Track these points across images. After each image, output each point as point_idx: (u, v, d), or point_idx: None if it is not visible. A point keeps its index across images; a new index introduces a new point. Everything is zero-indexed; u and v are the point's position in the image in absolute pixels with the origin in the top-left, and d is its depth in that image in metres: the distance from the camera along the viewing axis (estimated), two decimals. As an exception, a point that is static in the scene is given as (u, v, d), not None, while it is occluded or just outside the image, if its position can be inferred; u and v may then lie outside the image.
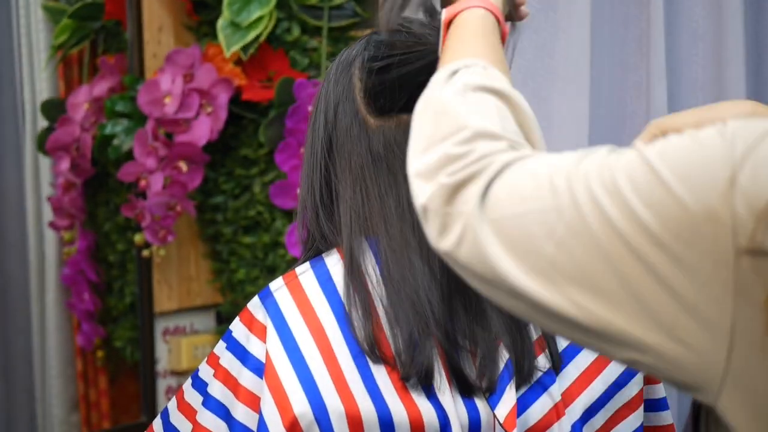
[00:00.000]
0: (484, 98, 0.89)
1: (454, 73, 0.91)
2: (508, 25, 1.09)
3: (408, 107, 1.09)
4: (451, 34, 1.00)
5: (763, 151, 0.72)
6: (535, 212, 0.77)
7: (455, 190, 0.81)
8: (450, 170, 0.82)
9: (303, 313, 1.13)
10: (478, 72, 0.91)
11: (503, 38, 1.01)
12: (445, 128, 0.85)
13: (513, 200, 0.78)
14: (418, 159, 0.86)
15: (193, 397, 1.19)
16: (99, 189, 2.38)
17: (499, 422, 1.11)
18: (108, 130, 2.24)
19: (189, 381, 1.21)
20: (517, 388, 1.12)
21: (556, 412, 1.13)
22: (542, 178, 0.78)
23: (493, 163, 0.81)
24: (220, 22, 2.17)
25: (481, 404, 1.11)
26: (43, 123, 2.30)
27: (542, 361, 1.14)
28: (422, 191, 0.84)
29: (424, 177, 0.84)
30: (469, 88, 0.89)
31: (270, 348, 1.11)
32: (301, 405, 1.08)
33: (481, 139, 0.83)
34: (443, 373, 1.10)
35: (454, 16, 1.01)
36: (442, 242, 0.82)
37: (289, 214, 2.26)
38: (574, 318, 0.76)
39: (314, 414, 1.07)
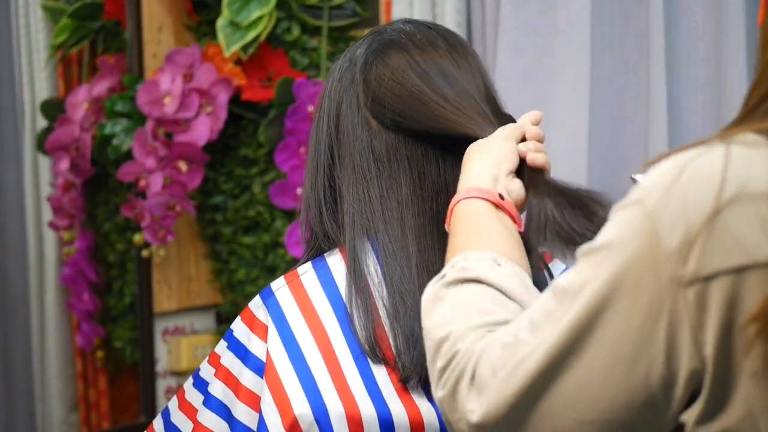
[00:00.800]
0: (466, 290, 0.92)
1: (443, 276, 0.94)
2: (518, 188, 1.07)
3: None
4: (450, 236, 1.01)
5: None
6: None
7: (452, 396, 0.86)
8: (442, 383, 0.87)
9: (304, 313, 1.12)
10: (458, 267, 0.94)
11: (503, 209, 1.01)
12: (434, 338, 0.90)
13: (495, 374, 0.82)
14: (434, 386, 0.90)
15: (194, 397, 1.18)
16: (98, 189, 2.38)
17: None
18: (107, 130, 2.24)
19: (190, 380, 1.21)
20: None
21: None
22: (510, 346, 0.83)
23: (474, 354, 0.85)
24: (220, 22, 2.17)
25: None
26: (42, 123, 2.30)
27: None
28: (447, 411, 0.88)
29: (441, 400, 0.88)
30: (452, 284, 0.92)
31: (271, 348, 1.11)
32: (301, 405, 1.08)
33: (460, 341, 0.87)
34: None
35: (451, 212, 1.03)
36: None
37: (288, 214, 2.26)
38: None
39: (314, 414, 1.07)
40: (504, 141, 1.06)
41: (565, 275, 0.82)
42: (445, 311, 0.91)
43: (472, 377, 0.84)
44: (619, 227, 0.79)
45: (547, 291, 0.84)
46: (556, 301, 0.81)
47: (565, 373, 0.79)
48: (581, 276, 0.80)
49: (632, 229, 0.77)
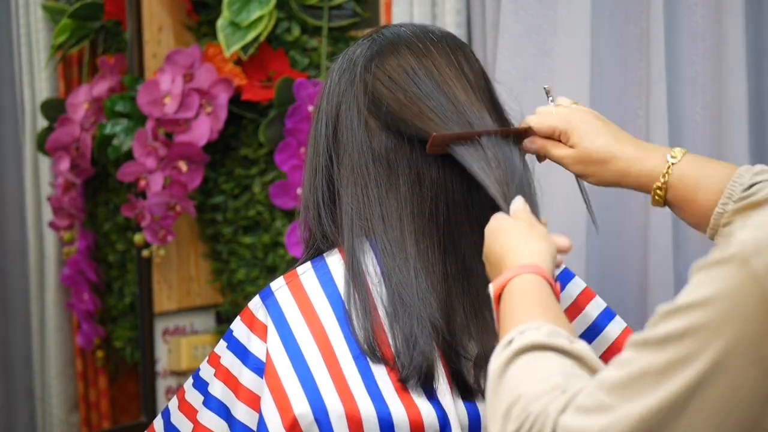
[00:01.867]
0: (537, 357, 0.88)
1: (510, 342, 0.90)
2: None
3: None
4: (503, 307, 0.98)
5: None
6: None
7: None
8: None
9: (304, 313, 1.13)
10: (531, 334, 0.90)
11: (556, 295, 0.99)
12: (503, 403, 0.85)
13: None
14: None
15: (194, 397, 1.19)
16: (99, 189, 2.38)
17: None
18: (108, 130, 2.24)
19: (190, 380, 1.21)
20: (518, 388, 1.12)
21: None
22: (592, 410, 0.78)
23: (549, 416, 0.81)
24: (220, 22, 2.17)
25: (481, 405, 1.11)
26: (43, 123, 2.30)
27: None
28: None
29: None
30: (522, 352, 0.88)
31: (270, 348, 1.11)
32: (301, 405, 1.08)
33: (534, 402, 0.83)
34: (444, 374, 1.10)
35: (502, 289, 0.99)
36: None
37: (288, 214, 2.26)
38: None
39: (314, 414, 1.07)
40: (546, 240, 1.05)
41: (653, 334, 0.76)
42: (517, 374, 0.87)
43: None
44: (716, 288, 0.72)
45: (630, 348, 0.78)
46: (647, 364, 0.75)
47: None
48: (682, 345, 0.73)
49: (736, 291, 0.71)
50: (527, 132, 1.17)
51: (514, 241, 1.02)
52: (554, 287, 0.99)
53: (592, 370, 0.87)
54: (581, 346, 0.88)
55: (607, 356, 1.20)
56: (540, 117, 1.18)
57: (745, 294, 0.71)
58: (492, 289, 1.00)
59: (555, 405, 0.81)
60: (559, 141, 1.18)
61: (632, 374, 0.76)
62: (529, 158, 1.20)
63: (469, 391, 1.11)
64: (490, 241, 1.05)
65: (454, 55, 1.17)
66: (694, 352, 0.73)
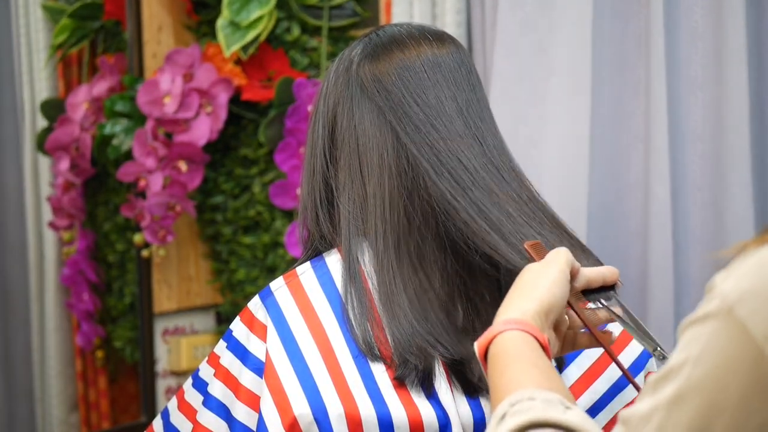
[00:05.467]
0: None
1: (503, 417, 0.85)
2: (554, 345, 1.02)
3: None
4: (491, 367, 0.93)
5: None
6: None
7: None
8: None
9: (303, 313, 1.13)
10: (524, 408, 0.84)
11: (547, 353, 0.94)
12: None
13: None
14: None
15: (193, 397, 1.18)
16: (99, 189, 2.38)
17: None
18: (107, 130, 2.24)
19: (189, 381, 1.21)
20: (520, 388, 1.12)
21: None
22: None
23: None
24: (220, 22, 2.17)
25: (486, 403, 1.11)
26: (42, 123, 2.30)
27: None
28: None
29: None
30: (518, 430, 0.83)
31: (270, 348, 1.11)
32: (300, 405, 1.08)
33: None
34: (443, 374, 1.10)
35: (488, 346, 0.95)
36: None
37: (288, 214, 2.26)
38: None
39: (314, 414, 1.07)
40: (560, 281, 1.00)
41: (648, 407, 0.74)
42: None
43: None
44: (705, 343, 0.71)
45: (626, 424, 0.76)
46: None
47: None
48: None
49: (724, 345, 0.71)
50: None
51: (513, 291, 1.00)
52: (543, 342, 0.94)
53: None
54: (575, 417, 0.83)
55: None
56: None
57: (734, 345, 0.70)
58: (476, 348, 0.96)
59: None
60: None
61: None
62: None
63: (473, 388, 1.11)
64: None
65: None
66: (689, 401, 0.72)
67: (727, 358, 0.70)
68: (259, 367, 1.12)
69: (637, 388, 1.07)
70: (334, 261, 1.16)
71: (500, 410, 0.85)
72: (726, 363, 0.70)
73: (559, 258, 1.01)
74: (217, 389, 1.14)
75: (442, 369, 1.10)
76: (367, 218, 1.13)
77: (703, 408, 0.71)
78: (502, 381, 0.90)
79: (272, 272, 2.29)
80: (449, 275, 1.12)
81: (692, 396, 0.72)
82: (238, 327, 1.16)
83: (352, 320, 1.10)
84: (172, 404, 1.22)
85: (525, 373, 0.89)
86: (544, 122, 1.85)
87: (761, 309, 0.69)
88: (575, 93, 1.81)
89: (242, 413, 1.12)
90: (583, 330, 1.08)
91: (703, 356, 0.71)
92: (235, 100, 2.26)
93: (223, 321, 2.45)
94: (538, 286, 0.99)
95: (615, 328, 1.14)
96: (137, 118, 2.23)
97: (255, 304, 1.15)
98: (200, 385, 1.18)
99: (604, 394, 1.17)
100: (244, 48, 2.19)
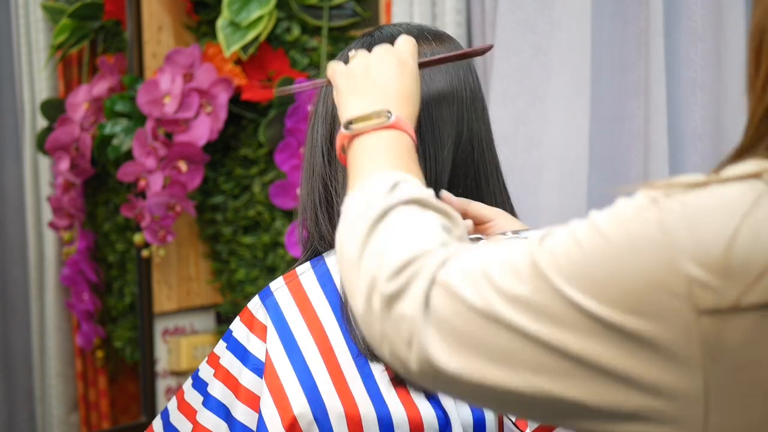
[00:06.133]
0: (406, 213, 0.86)
1: (395, 186, 0.88)
2: None
3: None
4: (357, 152, 0.96)
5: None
6: (473, 310, 0.76)
7: (391, 300, 0.80)
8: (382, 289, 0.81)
9: (303, 313, 1.13)
10: (410, 187, 0.88)
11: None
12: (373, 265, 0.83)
13: (454, 302, 0.77)
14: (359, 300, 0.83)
15: (193, 397, 1.18)
16: (99, 189, 2.38)
17: (511, 421, 1.11)
18: (107, 130, 2.24)
19: (189, 381, 1.21)
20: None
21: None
22: (477, 274, 0.77)
23: (424, 269, 0.79)
24: (220, 22, 2.17)
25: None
26: (42, 123, 2.30)
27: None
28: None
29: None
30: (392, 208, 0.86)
31: (270, 348, 1.11)
32: (300, 405, 1.08)
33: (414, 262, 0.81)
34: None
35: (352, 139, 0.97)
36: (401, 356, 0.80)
37: (288, 214, 2.26)
38: (538, 399, 0.75)
39: (314, 414, 1.07)
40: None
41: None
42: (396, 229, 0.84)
43: (426, 298, 0.78)
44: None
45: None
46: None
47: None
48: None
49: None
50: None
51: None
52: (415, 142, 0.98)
53: (450, 216, 0.87)
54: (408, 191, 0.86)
55: None
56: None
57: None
58: (338, 140, 0.99)
59: (434, 260, 0.79)
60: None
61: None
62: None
63: None
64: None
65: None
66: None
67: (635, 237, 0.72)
68: (258, 367, 1.12)
69: None
70: (334, 261, 1.16)
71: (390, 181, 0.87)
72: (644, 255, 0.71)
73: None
74: (217, 389, 1.14)
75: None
76: None
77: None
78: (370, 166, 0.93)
79: (272, 272, 2.30)
80: None
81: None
82: (237, 327, 1.16)
83: (352, 320, 1.10)
84: (172, 404, 1.22)
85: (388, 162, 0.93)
86: (544, 122, 1.85)
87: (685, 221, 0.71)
88: (575, 93, 1.81)
89: (242, 413, 1.12)
90: None
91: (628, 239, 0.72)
92: (235, 100, 2.26)
93: (223, 321, 2.45)
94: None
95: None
96: (137, 118, 2.23)
97: (255, 305, 1.15)
98: (200, 386, 1.18)
99: None
100: (244, 48, 2.19)
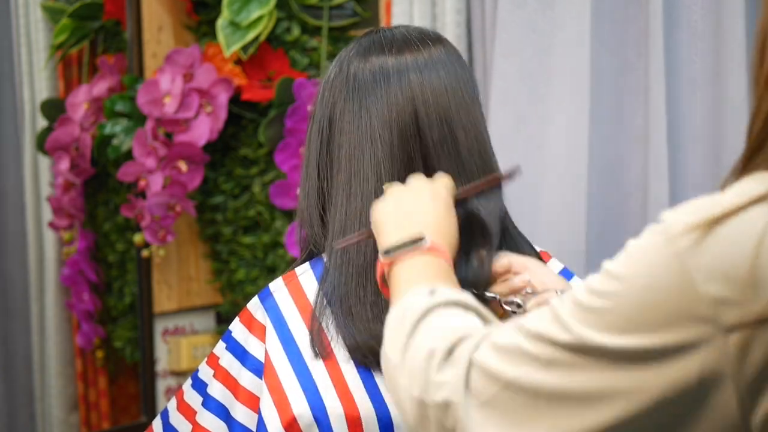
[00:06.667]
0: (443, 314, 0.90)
1: (432, 293, 0.92)
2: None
3: None
4: (395, 276, 0.99)
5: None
6: (510, 383, 0.79)
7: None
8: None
9: (303, 314, 1.13)
10: (448, 291, 0.92)
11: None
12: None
13: (489, 379, 0.80)
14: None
15: (192, 398, 1.18)
16: (99, 189, 2.38)
17: None
18: (107, 130, 2.24)
19: (189, 381, 1.21)
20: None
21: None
22: (510, 347, 0.80)
23: (463, 354, 0.83)
24: (220, 22, 2.17)
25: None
26: (42, 123, 2.30)
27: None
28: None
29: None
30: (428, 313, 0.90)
31: (269, 348, 1.11)
32: (299, 405, 1.08)
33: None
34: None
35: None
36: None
37: (288, 214, 2.26)
38: None
39: (313, 414, 1.07)
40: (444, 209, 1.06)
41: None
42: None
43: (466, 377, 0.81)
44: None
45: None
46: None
47: None
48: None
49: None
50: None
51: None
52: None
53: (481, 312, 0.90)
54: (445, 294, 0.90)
55: None
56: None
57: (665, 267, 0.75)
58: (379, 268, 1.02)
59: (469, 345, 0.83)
60: None
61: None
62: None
63: None
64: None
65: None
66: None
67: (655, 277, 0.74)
68: (258, 368, 1.12)
69: None
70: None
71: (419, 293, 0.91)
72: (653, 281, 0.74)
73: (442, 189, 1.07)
74: (217, 390, 1.14)
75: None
76: (353, 230, 1.13)
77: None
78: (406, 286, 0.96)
79: (272, 272, 2.29)
80: None
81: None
82: (237, 328, 1.16)
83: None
84: (172, 405, 1.22)
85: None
86: (545, 122, 1.85)
87: (699, 242, 0.73)
88: (575, 93, 1.81)
89: (241, 414, 1.12)
90: None
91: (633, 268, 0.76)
92: (235, 100, 2.26)
93: (223, 321, 2.45)
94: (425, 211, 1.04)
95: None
96: (137, 118, 2.23)
97: (254, 305, 1.15)
98: (199, 386, 1.18)
99: None
100: (244, 48, 2.19)
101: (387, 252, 1.00)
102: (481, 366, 0.80)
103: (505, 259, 1.10)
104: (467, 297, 0.91)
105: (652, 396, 0.74)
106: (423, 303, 0.89)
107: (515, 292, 1.07)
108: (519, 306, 1.06)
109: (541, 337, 0.78)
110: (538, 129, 1.85)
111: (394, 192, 1.07)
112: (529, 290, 1.07)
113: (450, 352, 0.83)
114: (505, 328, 0.82)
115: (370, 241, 1.09)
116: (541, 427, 0.77)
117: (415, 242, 0.99)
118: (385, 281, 1.01)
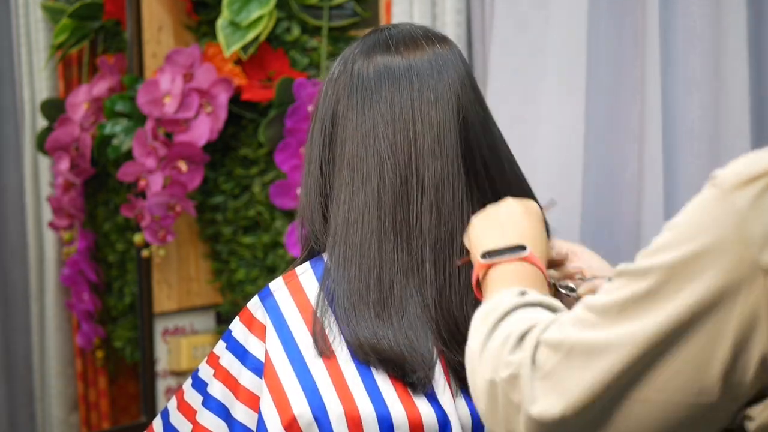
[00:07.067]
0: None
1: (523, 294, 0.96)
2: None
3: None
4: (491, 279, 1.04)
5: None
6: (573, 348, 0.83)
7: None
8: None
9: (303, 313, 1.13)
10: (537, 294, 0.97)
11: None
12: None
13: (554, 350, 0.84)
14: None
15: (193, 397, 1.18)
16: (99, 189, 2.38)
17: None
18: (107, 130, 2.24)
19: (189, 381, 1.21)
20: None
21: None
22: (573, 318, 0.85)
23: (531, 338, 0.87)
24: (220, 22, 2.17)
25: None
26: (42, 123, 2.30)
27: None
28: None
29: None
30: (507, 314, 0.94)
31: (269, 348, 1.11)
32: (300, 405, 1.08)
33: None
34: (443, 373, 1.10)
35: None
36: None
37: (288, 214, 2.26)
38: None
39: (313, 414, 1.07)
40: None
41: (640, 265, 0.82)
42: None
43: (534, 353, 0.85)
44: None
45: (617, 277, 0.83)
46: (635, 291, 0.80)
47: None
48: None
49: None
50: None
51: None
52: (545, 276, 1.05)
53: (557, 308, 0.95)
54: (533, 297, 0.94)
55: None
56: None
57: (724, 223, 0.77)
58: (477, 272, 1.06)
59: (536, 330, 0.87)
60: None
61: (624, 302, 0.81)
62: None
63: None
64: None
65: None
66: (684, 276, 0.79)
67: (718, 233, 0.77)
68: (258, 368, 1.12)
69: None
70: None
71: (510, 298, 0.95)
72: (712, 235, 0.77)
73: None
74: (217, 389, 1.14)
75: (442, 369, 1.10)
76: (354, 232, 1.13)
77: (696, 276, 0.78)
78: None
79: (272, 272, 2.29)
80: (445, 274, 1.13)
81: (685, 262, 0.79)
82: (237, 327, 1.16)
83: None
84: (172, 404, 1.22)
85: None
86: (540, 121, 1.85)
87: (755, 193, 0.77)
88: (570, 92, 1.81)
89: (242, 413, 1.12)
90: None
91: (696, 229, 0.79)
92: (235, 100, 2.26)
93: (223, 321, 2.45)
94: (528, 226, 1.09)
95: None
96: (137, 118, 2.23)
97: (254, 305, 1.15)
98: (200, 386, 1.18)
99: None
100: (244, 48, 2.19)
101: (487, 255, 1.04)
102: (545, 341, 0.84)
103: (564, 249, 1.16)
104: (556, 302, 0.95)
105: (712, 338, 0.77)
106: (512, 301, 0.94)
107: (569, 277, 1.14)
108: (572, 290, 1.13)
109: (603, 305, 0.82)
110: (533, 127, 1.85)
111: (489, 208, 1.11)
112: (580, 276, 1.14)
113: (522, 337, 0.87)
114: (573, 309, 0.86)
115: (371, 239, 1.10)
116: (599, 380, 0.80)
117: (516, 250, 1.04)
118: (479, 285, 1.05)
